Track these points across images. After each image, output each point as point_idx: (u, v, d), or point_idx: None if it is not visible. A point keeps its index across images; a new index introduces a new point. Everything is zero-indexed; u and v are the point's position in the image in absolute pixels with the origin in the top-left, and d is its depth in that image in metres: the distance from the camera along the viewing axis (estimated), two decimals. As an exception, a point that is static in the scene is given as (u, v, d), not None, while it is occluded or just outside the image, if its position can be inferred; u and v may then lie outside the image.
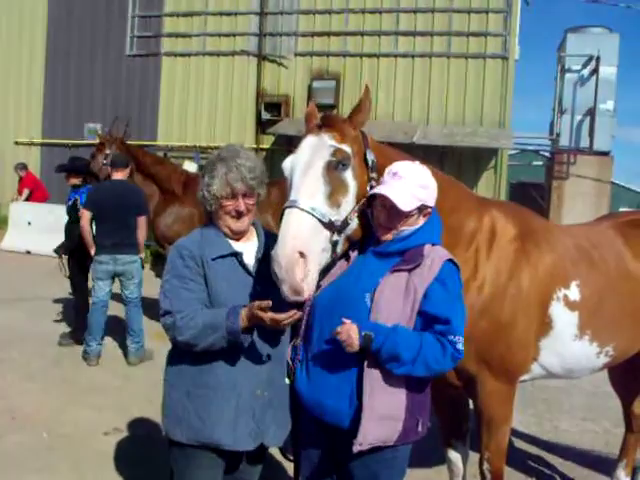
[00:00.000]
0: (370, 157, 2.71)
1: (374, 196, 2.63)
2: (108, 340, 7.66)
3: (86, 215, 6.90)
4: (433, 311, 2.51)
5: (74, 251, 7.47)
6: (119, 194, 6.92)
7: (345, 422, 2.57)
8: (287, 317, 2.44)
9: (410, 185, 2.59)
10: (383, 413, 2.50)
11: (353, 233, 2.64)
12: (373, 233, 2.69)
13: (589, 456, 5.24)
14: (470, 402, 3.48)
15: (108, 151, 8.34)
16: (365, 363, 2.50)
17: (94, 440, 5.01)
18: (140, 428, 5.26)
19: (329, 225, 2.49)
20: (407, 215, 2.60)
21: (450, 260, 2.61)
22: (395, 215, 2.58)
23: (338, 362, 2.57)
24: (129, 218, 6.94)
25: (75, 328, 7.59)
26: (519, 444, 5.34)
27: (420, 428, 2.64)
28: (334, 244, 2.53)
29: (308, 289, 2.41)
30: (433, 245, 2.64)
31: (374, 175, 2.69)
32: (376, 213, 2.64)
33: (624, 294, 3.62)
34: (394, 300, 2.52)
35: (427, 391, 2.72)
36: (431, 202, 2.66)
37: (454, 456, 3.71)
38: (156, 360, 6.93)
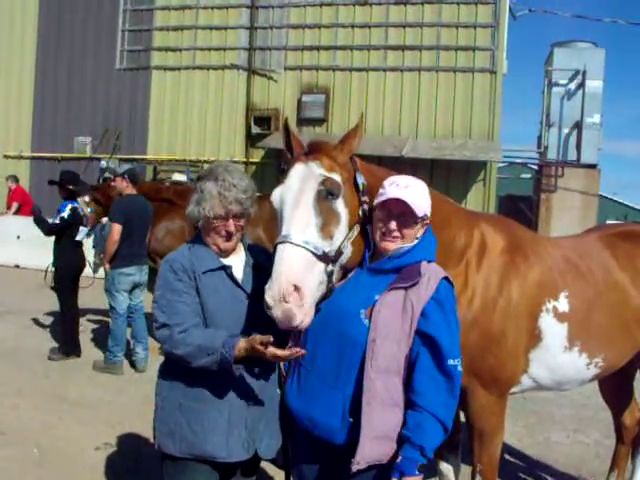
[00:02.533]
0: (360, 181, 2.68)
1: (371, 209, 2.63)
2: (98, 353, 7.65)
3: (118, 229, 7.01)
4: (431, 333, 2.49)
5: (64, 265, 7.47)
6: (142, 208, 7.30)
7: (336, 437, 2.55)
8: (290, 354, 2.43)
9: (419, 191, 2.63)
10: (381, 432, 2.49)
11: (348, 261, 2.61)
12: (367, 251, 2.68)
13: (580, 468, 5.26)
14: (462, 414, 3.50)
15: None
16: (364, 381, 2.48)
17: (85, 455, 4.98)
18: (131, 442, 5.23)
19: (323, 257, 2.46)
20: (416, 221, 2.60)
21: (446, 278, 2.61)
22: (405, 221, 2.58)
23: (331, 377, 2.56)
24: (147, 230, 7.43)
25: (63, 342, 7.58)
26: (510, 456, 5.35)
27: None
28: (329, 275, 2.50)
29: (304, 319, 2.38)
30: (429, 262, 2.63)
31: (365, 199, 2.67)
32: (380, 224, 2.61)
33: (612, 305, 3.65)
34: (392, 318, 2.50)
35: None
36: (430, 214, 2.67)
37: (445, 468, 3.70)
38: (147, 374, 6.92)
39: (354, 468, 2.48)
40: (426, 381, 2.47)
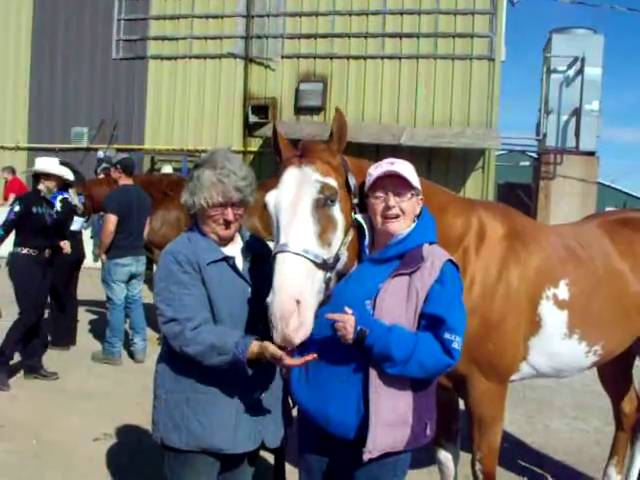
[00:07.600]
0: (352, 182, 2.63)
1: (363, 199, 2.61)
2: (96, 344, 7.63)
3: (113, 220, 6.98)
4: (430, 311, 2.49)
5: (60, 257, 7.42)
6: (138, 198, 7.26)
7: (352, 433, 2.54)
8: (301, 363, 2.44)
9: (405, 164, 2.63)
10: (391, 419, 2.49)
11: (343, 267, 2.57)
12: (364, 244, 2.65)
13: (580, 455, 5.26)
14: (460, 402, 3.49)
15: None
16: (370, 370, 2.48)
17: (84, 446, 4.97)
18: (130, 433, 5.22)
19: (322, 265, 2.41)
20: (412, 193, 2.58)
21: (450, 260, 2.59)
22: (402, 194, 2.56)
23: (342, 372, 2.55)
24: (144, 221, 7.37)
25: (55, 332, 7.60)
26: (510, 444, 5.34)
27: (428, 431, 2.64)
28: (327, 282, 2.46)
29: (300, 338, 2.33)
30: (430, 244, 2.62)
31: (356, 201, 2.63)
32: (378, 207, 2.57)
33: (611, 292, 3.64)
34: (396, 305, 2.50)
35: (433, 393, 2.70)
36: (420, 188, 2.65)
37: (444, 456, 3.69)
38: (145, 364, 6.91)
39: (366, 457, 2.48)
40: (420, 343, 2.46)
